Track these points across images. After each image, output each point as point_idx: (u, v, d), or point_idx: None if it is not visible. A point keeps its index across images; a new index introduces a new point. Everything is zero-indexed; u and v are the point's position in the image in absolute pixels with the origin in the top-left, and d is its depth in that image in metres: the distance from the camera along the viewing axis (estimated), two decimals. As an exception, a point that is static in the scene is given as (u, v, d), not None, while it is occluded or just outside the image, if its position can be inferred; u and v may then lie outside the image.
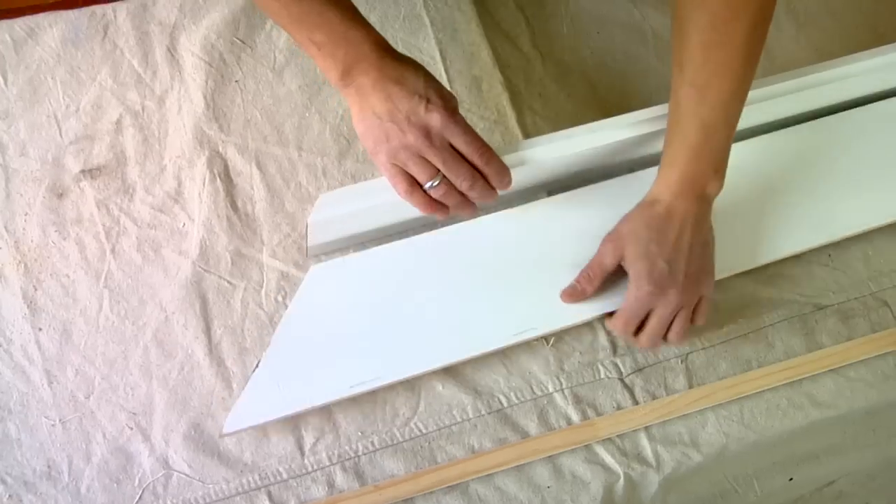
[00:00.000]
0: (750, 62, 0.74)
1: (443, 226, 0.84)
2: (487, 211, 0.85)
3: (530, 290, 0.83)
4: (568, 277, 0.82)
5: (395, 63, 0.74)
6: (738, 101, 0.75)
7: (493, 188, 0.77)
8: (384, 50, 0.75)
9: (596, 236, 0.81)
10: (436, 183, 0.75)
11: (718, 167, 0.77)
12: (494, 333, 0.81)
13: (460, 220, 0.84)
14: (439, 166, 0.74)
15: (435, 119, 0.73)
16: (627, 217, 0.80)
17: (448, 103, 0.74)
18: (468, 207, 0.78)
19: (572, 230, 0.84)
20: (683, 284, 0.77)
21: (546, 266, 0.83)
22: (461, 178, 0.75)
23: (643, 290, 0.77)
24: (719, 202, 0.79)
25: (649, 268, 0.77)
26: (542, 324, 0.82)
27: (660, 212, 0.77)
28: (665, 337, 0.80)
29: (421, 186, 0.75)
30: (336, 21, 0.73)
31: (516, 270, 0.83)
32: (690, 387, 0.82)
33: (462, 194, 0.76)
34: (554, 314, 0.82)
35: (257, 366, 0.78)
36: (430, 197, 0.76)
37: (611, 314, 0.82)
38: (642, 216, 0.78)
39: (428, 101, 0.73)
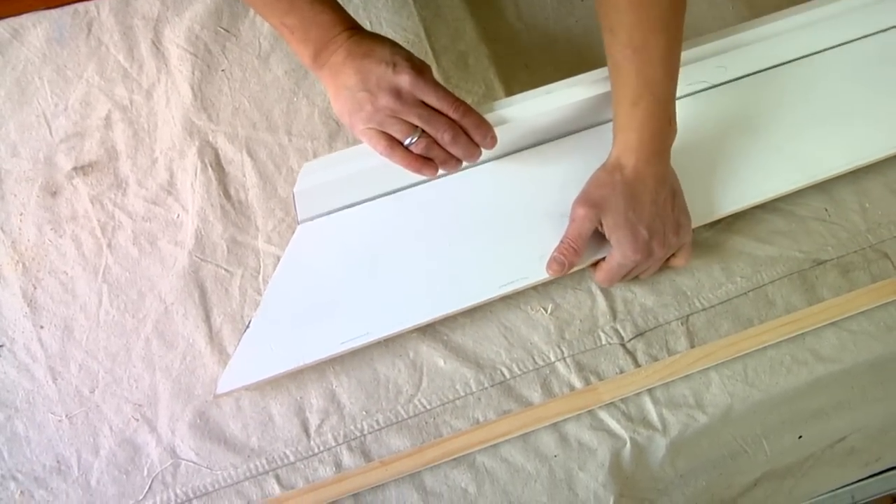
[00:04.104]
0: (681, 14, 0.76)
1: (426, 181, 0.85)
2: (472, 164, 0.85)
3: (517, 241, 0.83)
4: (553, 227, 0.82)
5: (364, 39, 0.76)
6: (675, 53, 0.77)
7: (476, 144, 0.78)
8: (353, 29, 0.76)
9: (580, 183, 0.82)
10: (415, 138, 0.76)
11: (671, 118, 0.79)
12: (483, 286, 0.81)
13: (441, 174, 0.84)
14: (416, 122, 0.75)
15: (404, 80, 0.74)
16: (595, 180, 0.80)
17: (416, 65, 0.75)
18: (453, 162, 0.78)
19: (555, 179, 0.85)
20: (665, 242, 0.80)
21: (532, 216, 0.84)
22: (441, 131, 0.75)
23: (628, 257, 0.79)
24: (701, 150, 0.81)
25: (632, 237, 0.78)
26: (531, 273, 0.82)
27: (629, 176, 0.78)
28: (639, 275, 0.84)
29: (402, 144, 0.76)
30: (306, 5, 0.75)
31: (502, 222, 0.84)
32: (692, 348, 0.82)
33: (445, 150, 0.77)
34: (540, 265, 0.82)
35: (248, 325, 0.79)
36: (413, 153, 0.76)
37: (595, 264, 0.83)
38: (612, 181, 0.79)
39: (395, 65, 0.74)
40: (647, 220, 0.78)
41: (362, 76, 0.74)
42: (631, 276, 0.83)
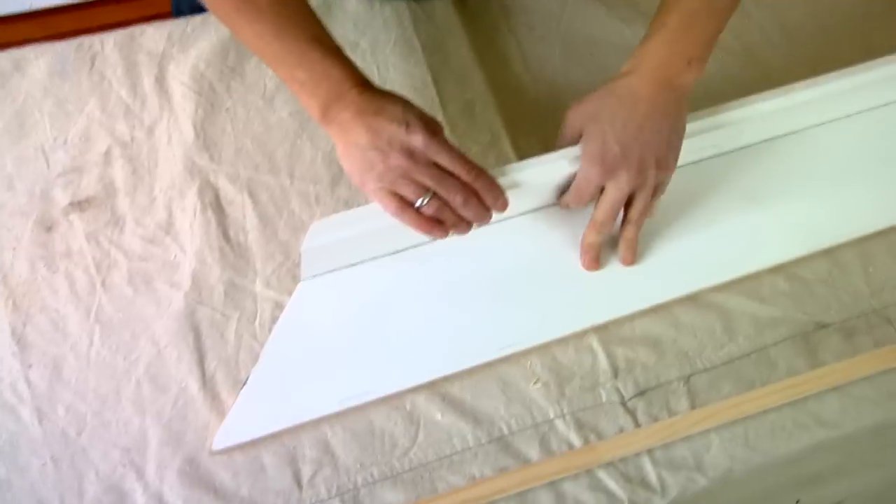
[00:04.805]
0: None
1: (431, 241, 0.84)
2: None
3: (520, 303, 0.83)
4: (556, 289, 0.82)
5: (375, 96, 0.75)
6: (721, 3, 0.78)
7: (487, 207, 0.76)
8: (363, 86, 0.75)
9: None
10: (426, 200, 0.74)
11: (693, 60, 0.78)
12: (483, 347, 0.81)
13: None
14: (428, 183, 0.74)
15: (417, 140, 0.72)
16: (597, 91, 0.80)
17: (429, 125, 0.74)
18: (464, 225, 0.77)
19: (558, 243, 0.85)
20: (637, 169, 0.78)
21: (535, 278, 0.84)
22: (453, 193, 0.74)
23: (590, 170, 0.78)
24: (706, 214, 0.81)
25: (600, 149, 0.77)
26: (532, 336, 0.81)
27: (622, 93, 0.78)
28: (625, 217, 0.82)
29: (412, 206, 0.75)
30: (317, 59, 0.75)
31: (505, 283, 0.83)
32: (693, 409, 0.81)
33: (456, 213, 0.76)
34: (541, 327, 0.82)
35: (246, 381, 0.77)
36: (424, 215, 0.75)
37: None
38: (604, 92, 0.79)
39: (408, 124, 0.73)
40: (624, 139, 0.77)
41: (373, 134, 0.73)
42: (606, 205, 0.80)
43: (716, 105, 0.88)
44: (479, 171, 0.75)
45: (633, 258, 0.85)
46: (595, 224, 0.82)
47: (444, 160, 0.74)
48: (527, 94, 0.97)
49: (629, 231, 0.83)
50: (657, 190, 0.81)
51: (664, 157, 0.79)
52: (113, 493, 0.74)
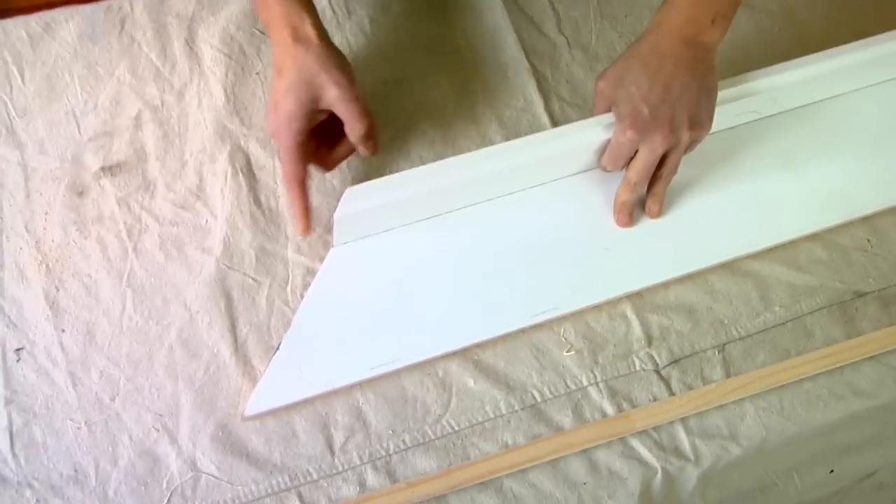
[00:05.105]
0: None
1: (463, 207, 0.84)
2: (508, 191, 0.84)
3: (552, 270, 0.82)
4: (590, 256, 0.82)
5: (294, 63, 0.77)
6: None
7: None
8: (302, 42, 0.78)
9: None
10: None
11: (717, 17, 0.77)
12: (516, 314, 0.80)
13: (479, 201, 0.84)
14: None
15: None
16: (622, 55, 0.80)
17: (287, 127, 0.77)
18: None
19: (592, 209, 0.84)
20: (668, 129, 0.77)
21: (568, 245, 0.83)
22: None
23: (625, 134, 0.77)
24: (744, 181, 0.80)
25: (630, 113, 0.77)
26: (565, 303, 0.81)
27: (646, 53, 0.77)
28: (655, 173, 0.81)
29: None
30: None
31: (538, 250, 0.83)
32: (728, 378, 0.80)
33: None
34: (575, 294, 0.81)
35: (278, 348, 0.77)
36: None
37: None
38: (631, 54, 0.79)
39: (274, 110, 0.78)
40: (652, 100, 0.76)
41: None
42: (639, 166, 0.80)
43: (754, 68, 0.86)
44: (292, 196, 0.79)
45: (659, 211, 0.84)
46: (628, 184, 0.81)
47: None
48: (561, 57, 0.95)
49: (658, 186, 0.82)
50: (690, 147, 0.80)
51: (696, 116, 0.78)
52: (146, 458, 0.74)
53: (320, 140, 0.81)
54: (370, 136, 0.79)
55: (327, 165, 0.83)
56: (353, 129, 0.78)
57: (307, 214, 0.80)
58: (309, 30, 0.77)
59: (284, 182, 0.80)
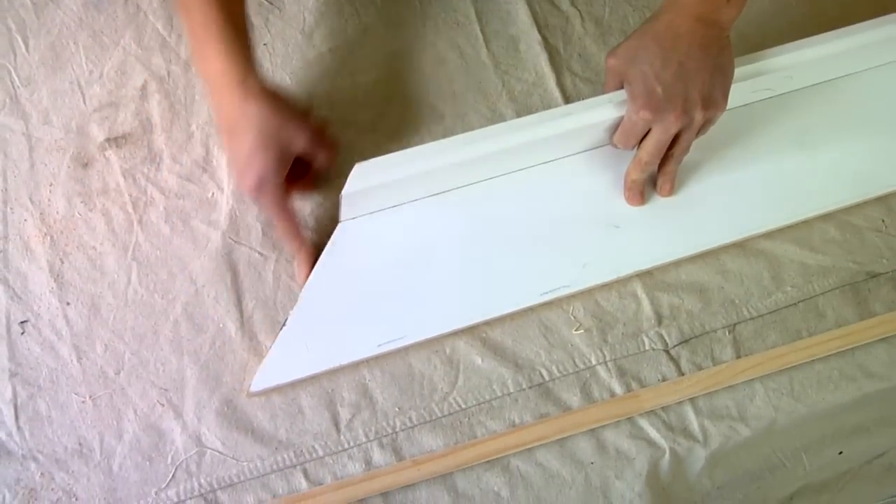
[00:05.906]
0: None
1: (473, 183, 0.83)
2: (519, 167, 0.83)
3: (561, 248, 0.81)
4: (599, 235, 0.81)
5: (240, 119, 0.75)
6: None
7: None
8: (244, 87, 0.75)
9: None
10: None
11: None
12: (525, 292, 0.79)
13: (488, 177, 0.83)
14: None
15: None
16: (635, 32, 0.78)
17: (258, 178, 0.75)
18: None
19: (603, 187, 0.83)
20: (682, 108, 0.76)
21: (577, 223, 0.82)
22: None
23: (638, 113, 0.76)
24: (758, 159, 0.79)
25: (643, 91, 0.75)
26: (574, 281, 0.80)
27: (660, 31, 0.76)
28: (667, 151, 0.80)
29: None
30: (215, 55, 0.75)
31: (547, 228, 0.82)
32: (738, 358, 0.80)
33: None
34: (585, 272, 0.80)
35: (285, 323, 0.77)
36: None
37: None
38: (643, 31, 0.77)
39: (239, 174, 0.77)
40: (666, 78, 0.75)
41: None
42: (651, 146, 0.79)
43: (769, 44, 0.84)
44: (296, 247, 0.79)
45: (671, 190, 0.83)
46: (639, 163, 0.80)
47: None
48: (573, 31, 0.94)
49: (670, 165, 0.81)
50: (704, 127, 0.79)
51: (709, 95, 0.76)
52: (151, 433, 0.74)
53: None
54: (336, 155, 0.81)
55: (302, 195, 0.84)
56: (326, 159, 0.80)
57: (315, 252, 0.79)
58: (254, 83, 0.75)
59: (283, 237, 0.79)
